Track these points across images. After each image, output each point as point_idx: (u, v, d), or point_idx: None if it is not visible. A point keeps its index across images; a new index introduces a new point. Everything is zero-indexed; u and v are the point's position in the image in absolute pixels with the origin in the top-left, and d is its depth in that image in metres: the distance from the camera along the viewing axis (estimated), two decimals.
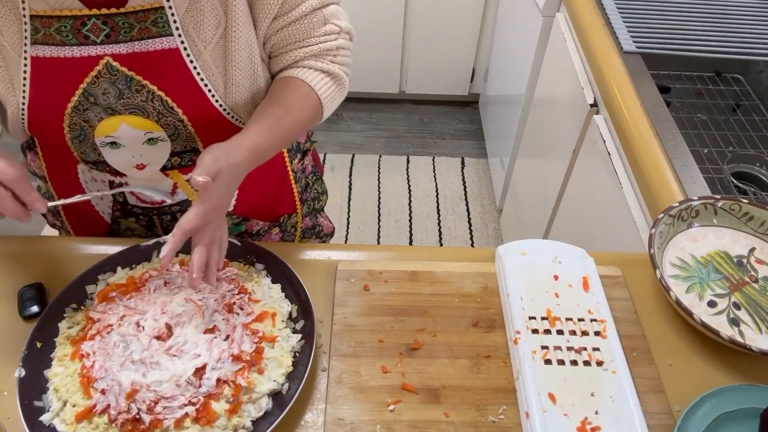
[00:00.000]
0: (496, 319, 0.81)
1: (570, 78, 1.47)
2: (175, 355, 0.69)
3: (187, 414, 0.65)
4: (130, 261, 0.82)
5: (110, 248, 0.86)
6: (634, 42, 1.32)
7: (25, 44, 0.74)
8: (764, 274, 0.84)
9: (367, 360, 0.75)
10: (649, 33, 1.36)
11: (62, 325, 0.75)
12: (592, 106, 1.34)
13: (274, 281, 0.80)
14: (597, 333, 0.76)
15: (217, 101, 0.81)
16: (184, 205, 0.95)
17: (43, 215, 1.04)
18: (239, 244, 0.83)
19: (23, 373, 0.69)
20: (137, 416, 0.65)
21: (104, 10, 0.72)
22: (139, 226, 0.97)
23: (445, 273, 0.86)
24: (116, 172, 0.87)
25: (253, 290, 0.77)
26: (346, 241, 2.29)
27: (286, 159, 1.02)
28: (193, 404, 0.66)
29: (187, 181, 0.89)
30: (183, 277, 0.78)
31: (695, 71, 1.36)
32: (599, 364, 0.73)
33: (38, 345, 0.72)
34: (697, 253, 0.87)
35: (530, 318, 0.78)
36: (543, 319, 0.78)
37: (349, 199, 2.47)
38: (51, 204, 0.71)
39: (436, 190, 2.53)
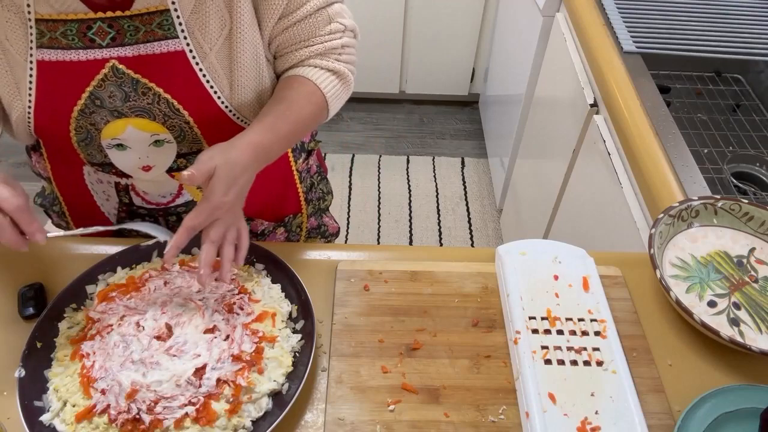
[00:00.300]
0: (496, 319, 0.81)
1: (570, 78, 1.47)
2: (175, 355, 0.69)
3: (187, 414, 0.65)
4: (130, 261, 0.82)
5: (110, 248, 0.86)
6: (634, 42, 1.32)
7: (31, 48, 0.74)
8: (764, 274, 0.84)
9: (367, 360, 0.75)
10: (649, 33, 1.36)
11: (62, 325, 0.75)
12: (592, 106, 1.34)
13: (274, 281, 0.80)
14: (597, 333, 0.76)
15: (222, 102, 0.81)
16: (190, 206, 0.95)
17: (47, 213, 1.04)
18: None
19: (23, 373, 0.69)
20: (137, 416, 0.65)
21: (109, 13, 0.72)
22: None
23: (445, 273, 0.86)
24: (122, 174, 0.87)
25: (253, 290, 0.77)
26: (346, 241, 2.29)
27: (291, 159, 1.02)
28: (193, 404, 0.66)
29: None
30: (183, 277, 0.78)
31: (695, 71, 1.36)
32: (599, 364, 0.73)
33: (38, 345, 0.72)
34: (697, 253, 0.87)
35: (530, 318, 0.78)
36: (543, 319, 0.78)
37: (349, 199, 2.47)
38: (51, 235, 0.71)
39: (436, 190, 2.53)
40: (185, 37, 0.76)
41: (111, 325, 0.72)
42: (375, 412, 0.71)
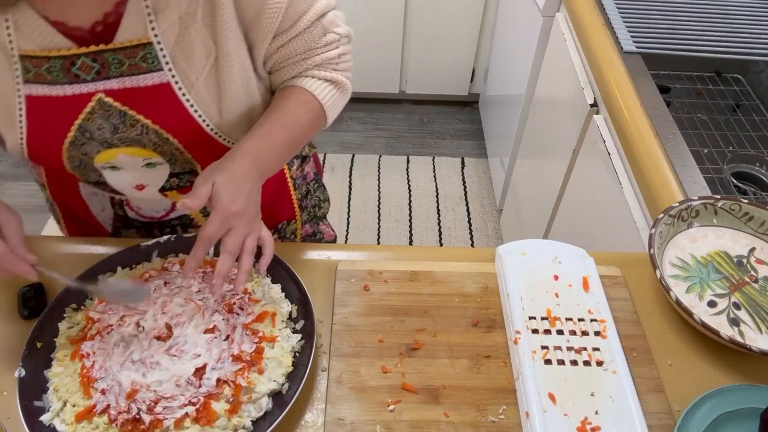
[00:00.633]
0: (496, 319, 0.81)
1: (570, 78, 1.47)
2: (175, 355, 0.69)
3: (187, 414, 0.65)
4: (130, 261, 0.82)
5: (110, 248, 0.86)
6: (634, 42, 1.32)
7: (18, 83, 0.73)
8: (764, 274, 0.84)
9: (367, 360, 0.75)
10: (649, 33, 1.36)
11: (62, 325, 0.75)
12: (592, 106, 1.34)
13: (274, 281, 0.80)
14: (597, 333, 0.76)
15: (212, 129, 0.80)
16: (184, 219, 0.95)
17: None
18: None
19: (23, 373, 0.69)
20: (137, 416, 0.65)
21: (93, 47, 0.71)
22: (140, 236, 0.97)
23: (445, 273, 0.86)
24: (116, 191, 0.87)
25: (253, 290, 0.77)
26: (346, 241, 2.29)
27: (284, 165, 1.02)
28: (193, 404, 0.66)
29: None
30: (183, 278, 0.78)
31: (695, 71, 1.36)
32: (599, 364, 0.73)
33: (38, 345, 0.72)
34: (697, 253, 0.87)
35: (530, 318, 0.78)
36: (543, 319, 0.78)
37: (349, 199, 2.47)
38: (39, 269, 0.71)
39: (436, 190, 2.53)
40: (170, 69, 0.75)
41: (111, 325, 0.72)
42: (375, 412, 0.71)
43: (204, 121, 0.79)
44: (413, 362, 0.75)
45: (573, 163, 1.47)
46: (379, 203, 2.46)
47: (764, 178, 1.13)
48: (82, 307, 0.77)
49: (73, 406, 0.67)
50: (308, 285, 0.78)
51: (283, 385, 0.70)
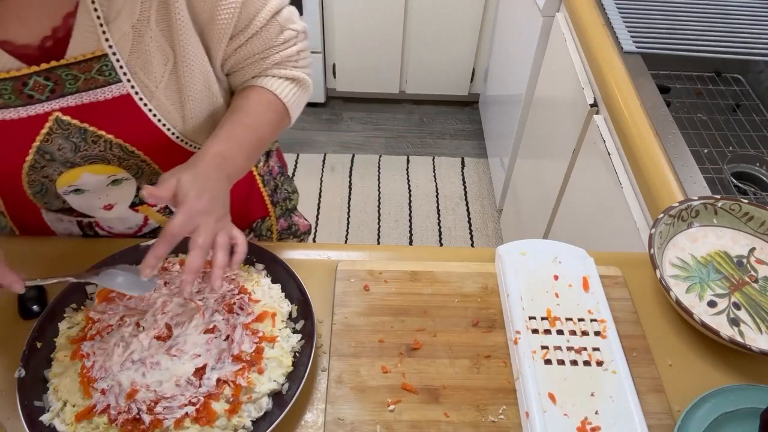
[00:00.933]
0: (496, 319, 0.81)
1: (570, 78, 1.47)
2: (175, 355, 0.69)
3: (187, 414, 0.65)
4: (130, 261, 0.82)
5: (110, 248, 0.86)
6: (634, 42, 1.32)
7: None
8: (764, 274, 0.84)
9: (367, 360, 0.75)
10: (649, 33, 1.36)
11: (62, 325, 0.75)
12: (592, 106, 1.34)
13: (274, 281, 0.80)
14: (597, 333, 0.76)
15: (177, 137, 0.79)
16: (157, 233, 0.94)
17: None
18: None
19: (23, 373, 0.69)
20: (137, 416, 0.65)
21: (44, 65, 0.68)
22: None
23: (445, 273, 0.86)
24: (84, 215, 0.85)
25: (253, 290, 0.77)
26: (346, 241, 2.29)
27: None
28: (193, 404, 0.66)
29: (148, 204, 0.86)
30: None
31: (695, 71, 1.36)
32: (599, 364, 0.73)
33: (38, 345, 0.72)
34: (697, 253, 0.86)
35: (530, 318, 0.78)
36: (543, 319, 0.78)
37: (349, 199, 2.47)
38: (29, 283, 0.70)
39: (436, 190, 2.53)
40: (129, 80, 0.72)
41: (111, 325, 0.72)
42: (375, 412, 0.71)
43: (168, 129, 0.78)
44: (413, 362, 0.75)
45: (573, 163, 1.47)
46: (379, 203, 2.46)
47: (764, 178, 1.13)
48: (82, 307, 0.77)
49: (73, 406, 0.67)
50: (308, 285, 0.78)
51: (283, 385, 0.70)
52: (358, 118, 2.87)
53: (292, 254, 0.87)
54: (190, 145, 0.83)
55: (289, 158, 2.62)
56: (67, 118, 0.72)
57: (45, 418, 0.66)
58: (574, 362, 0.73)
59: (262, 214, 1.07)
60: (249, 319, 0.74)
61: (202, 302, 0.75)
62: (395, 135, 2.80)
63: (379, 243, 2.30)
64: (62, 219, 0.88)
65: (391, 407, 0.71)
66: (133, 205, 0.86)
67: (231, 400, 0.67)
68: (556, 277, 0.82)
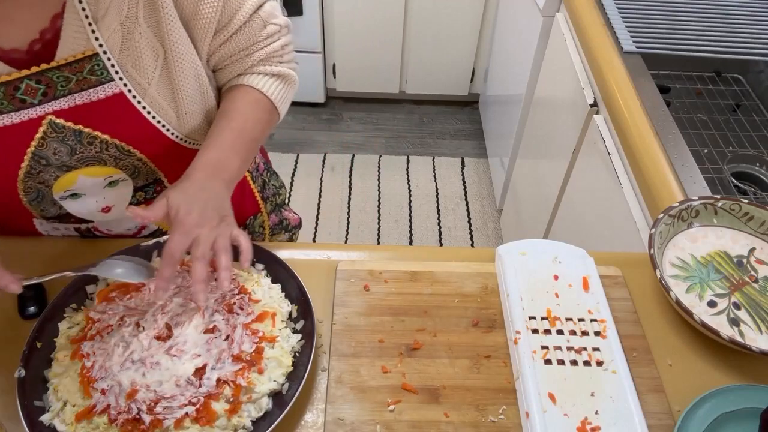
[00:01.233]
0: (496, 319, 0.81)
1: (570, 78, 1.47)
2: (175, 355, 0.69)
3: (187, 414, 0.65)
4: None
5: (110, 248, 0.86)
6: (634, 42, 1.32)
7: None
8: (764, 274, 0.84)
9: (367, 360, 0.75)
10: (649, 33, 1.36)
11: (62, 325, 0.75)
12: (592, 106, 1.34)
13: (274, 281, 0.80)
14: (597, 333, 0.76)
15: (172, 133, 0.80)
16: (157, 234, 0.95)
17: None
18: None
19: (23, 373, 0.69)
20: (137, 416, 0.65)
21: (34, 68, 0.67)
22: None
23: (445, 273, 0.86)
24: (82, 220, 0.85)
25: (253, 290, 0.77)
26: (346, 241, 2.29)
27: None
28: (193, 404, 0.66)
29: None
30: (183, 277, 0.78)
31: (695, 71, 1.36)
32: (599, 364, 0.73)
33: (38, 345, 0.72)
34: (697, 253, 0.86)
35: (530, 318, 0.78)
36: (543, 319, 0.78)
37: (349, 199, 2.47)
38: (26, 282, 0.69)
39: (436, 190, 2.53)
40: (121, 78, 0.72)
41: (111, 325, 0.72)
42: (375, 412, 0.71)
43: (163, 126, 0.78)
44: (413, 362, 0.75)
45: (573, 163, 1.47)
46: (379, 203, 2.46)
47: (764, 178, 1.13)
48: (82, 307, 0.77)
49: (73, 406, 0.67)
50: (308, 285, 0.78)
51: (283, 385, 0.70)
52: (358, 118, 2.87)
53: (292, 254, 0.87)
54: (185, 141, 0.83)
55: (289, 158, 2.62)
56: (60, 121, 0.72)
57: (45, 418, 0.66)
58: (574, 362, 0.73)
59: (254, 212, 1.07)
60: (249, 319, 0.74)
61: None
62: (395, 135, 2.80)
63: (379, 243, 2.30)
64: (58, 228, 0.88)
65: (391, 407, 0.71)
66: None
67: (231, 400, 0.67)
68: (556, 277, 0.82)
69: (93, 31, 0.69)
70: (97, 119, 0.73)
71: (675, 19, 1.42)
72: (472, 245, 2.31)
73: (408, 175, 2.59)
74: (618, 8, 1.44)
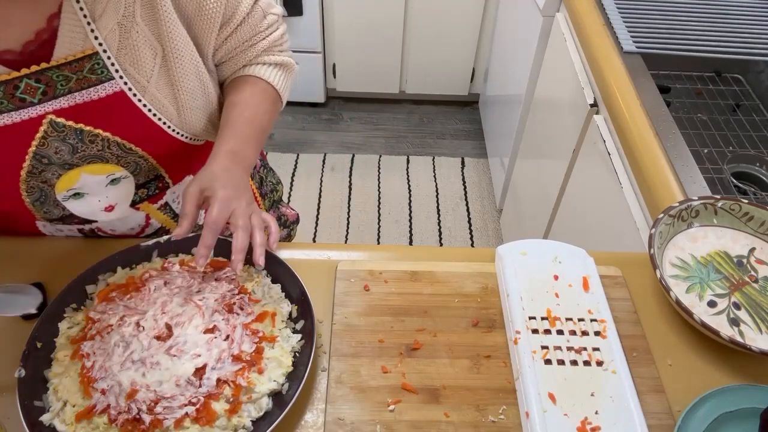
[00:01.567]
0: (496, 319, 0.81)
1: (570, 78, 1.47)
2: (175, 355, 0.69)
3: (187, 414, 0.65)
4: (130, 261, 0.82)
5: (110, 248, 0.86)
6: (634, 42, 1.32)
7: None
8: (764, 274, 0.84)
9: (367, 360, 0.75)
10: (649, 33, 1.36)
11: (62, 325, 0.75)
12: (592, 106, 1.34)
13: (274, 281, 0.80)
14: (597, 333, 0.76)
15: (173, 130, 0.80)
16: (160, 233, 0.95)
17: None
18: None
19: (23, 373, 0.69)
20: (137, 416, 0.65)
21: (34, 67, 0.67)
22: None
23: (445, 273, 0.86)
24: (86, 221, 0.85)
25: (253, 290, 0.77)
26: (346, 241, 2.29)
27: None
28: (193, 404, 0.66)
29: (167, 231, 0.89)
30: (183, 277, 0.78)
31: (695, 71, 1.36)
32: (599, 364, 0.73)
33: (38, 345, 0.72)
34: (697, 253, 0.86)
35: (530, 318, 0.78)
36: (543, 319, 0.78)
37: (349, 199, 2.47)
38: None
39: (436, 190, 2.53)
40: (121, 77, 0.72)
41: (111, 325, 0.72)
42: (375, 412, 0.71)
43: (164, 123, 0.78)
44: (413, 362, 0.75)
45: (573, 163, 1.47)
46: (379, 203, 2.46)
47: (764, 178, 1.13)
48: (82, 307, 0.77)
49: (73, 406, 0.67)
50: (308, 285, 0.78)
51: (283, 385, 0.70)
52: (358, 118, 2.87)
53: (292, 254, 0.87)
54: (186, 137, 0.83)
55: (289, 158, 2.62)
56: (61, 119, 0.72)
57: (45, 418, 0.66)
58: (574, 362, 0.73)
59: None
60: (249, 319, 0.74)
61: (202, 302, 0.75)
62: (395, 135, 2.80)
63: (379, 243, 2.30)
64: (62, 229, 0.88)
65: (391, 407, 0.71)
66: (134, 204, 0.86)
67: (231, 400, 0.67)
68: (556, 277, 0.82)
69: (92, 31, 0.69)
70: (97, 118, 0.74)
71: (675, 19, 1.42)
72: (472, 245, 2.31)
73: (408, 175, 2.59)
74: (618, 8, 1.44)
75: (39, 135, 0.72)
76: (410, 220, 2.40)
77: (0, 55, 0.67)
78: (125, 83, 0.73)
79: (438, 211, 2.44)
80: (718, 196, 0.89)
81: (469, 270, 0.86)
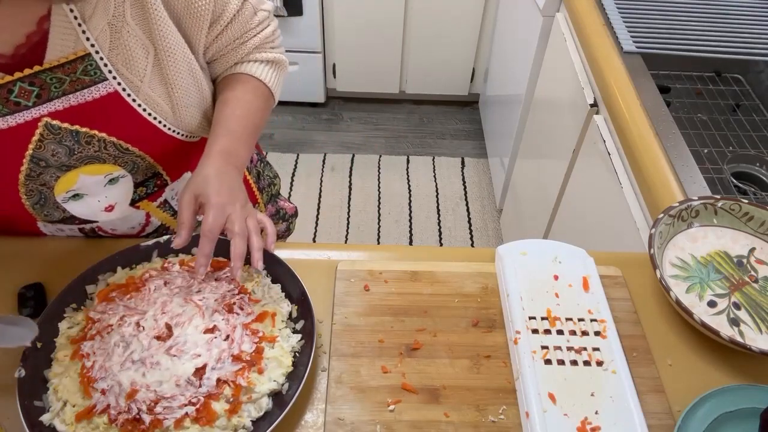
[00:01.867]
0: (496, 319, 0.81)
1: (570, 78, 1.47)
2: (175, 355, 0.69)
3: (187, 414, 0.65)
4: (130, 261, 0.82)
5: (110, 248, 0.86)
6: (634, 42, 1.32)
7: None
8: (764, 274, 0.84)
9: (367, 360, 0.75)
10: (649, 33, 1.36)
11: (62, 325, 0.75)
12: (592, 106, 1.34)
13: (274, 281, 0.80)
14: (597, 333, 0.76)
15: (169, 129, 0.80)
16: (160, 231, 0.95)
17: None
18: None
19: (23, 373, 0.69)
20: (137, 416, 0.65)
21: (27, 71, 0.67)
22: None
23: (445, 273, 0.86)
24: (86, 221, 0.85)
25: (253, 290, 0.77)
26: (346, 241, 2.29)
27: None
28: (193, 404, 0.66)
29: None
30: (183, 277, 0.78)
31: (695, 71, 1.36)
32: (599, 364, 0.73)
33: (38, 345, 0.72)
34: (697, 253, 0.86)
35: (530, 318, 0.78)
36: (543, 319, 0.78)
37: (349, 199, 2.47)
38: None
39: (436, 190, 2.53)
40: (114, 77, 0.72)
41: (111, 325, 0.72)
42: (375, 412, 0.71)
43: (159, 122, 0.78)
44: (413, 362, 0.75)
45: (573, 163, 1.47)
46: (379, 203, 2.46)
47: (764, 178, 1.13)
48: (82, 307, 0.77)
49: (73, 406, 0.67)
50: (308, 285, 0.78)
51: (283, 385, 0.70)
52: (358, 118, 2.87)
53: (292, 254, 0.87)
54: (183, 135, 0.83)
55: (289, 158, 2.62)
56: (56, 122, 0.72)
57: (45, 418, 0.66)
58: (574, 362, 0.73)
59: (252, 202, 1.08)
60: (249, 319, 0.74)
61: (202, 302, 0.75)
62: (395, 135, 2.80)
63: (379, 243, 2.30)
64: (63, 229, 0.88)
65: (391, 407, 0.71)
66: (133, 202, 0.87)
67: (231, 400, 0.67)
68: (556, 277, 0.82)
69: (84, 32, 0.69)
70: (93, 119, 0.74)
71: (675, 19, 1.42)
72: (472, 245, 2.31)
73: (408, 175, 2.59)
74: (618, 8, 1.44)
75: (35, 138, 0.72)
76: (410, 220, 2.40)
77: None
78: (119, 84, 0.73)
79: (438, 211, 2.44)
80: (718, 196, 0.89)
81: (469, 270, 0.86)
